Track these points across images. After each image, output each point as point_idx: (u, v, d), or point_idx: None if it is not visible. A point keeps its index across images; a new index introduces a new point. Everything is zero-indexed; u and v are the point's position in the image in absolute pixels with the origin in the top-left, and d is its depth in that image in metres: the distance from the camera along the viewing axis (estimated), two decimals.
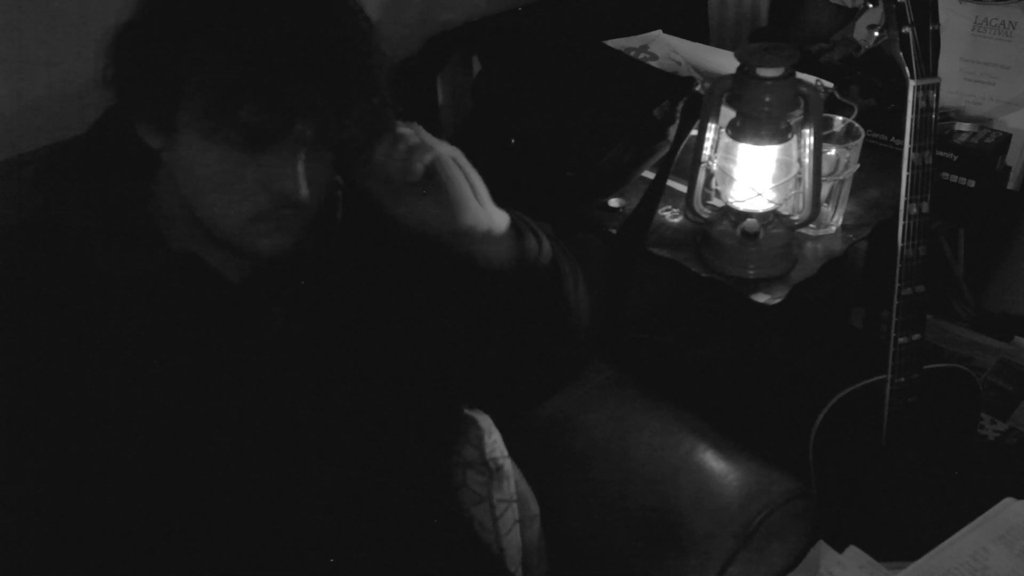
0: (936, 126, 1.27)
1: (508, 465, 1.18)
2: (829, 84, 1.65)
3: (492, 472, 1.16)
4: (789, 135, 1.32)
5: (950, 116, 1.76)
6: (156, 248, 0.94)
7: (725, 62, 1.59)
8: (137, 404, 0.92)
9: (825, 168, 1.37)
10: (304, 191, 0.88)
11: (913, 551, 1.20)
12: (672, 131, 1.51)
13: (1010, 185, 1.77)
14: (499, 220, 0.95)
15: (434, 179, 0.91)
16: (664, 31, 1.78)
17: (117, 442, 0.91)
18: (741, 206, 1.35)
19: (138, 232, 0.94)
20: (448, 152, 0.93)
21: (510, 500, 1.18)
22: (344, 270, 1.01)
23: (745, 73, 1.28)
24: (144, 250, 0.93)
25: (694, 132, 1.40)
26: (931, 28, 1.23)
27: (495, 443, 1.17)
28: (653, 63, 1.67)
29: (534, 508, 1.22)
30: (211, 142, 0.85)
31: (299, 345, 0.98)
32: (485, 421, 1.17)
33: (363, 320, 1.01)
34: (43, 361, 0.91)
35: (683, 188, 1.43)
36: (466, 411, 1.17)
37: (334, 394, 1.00)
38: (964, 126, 1.74)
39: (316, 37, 0.83)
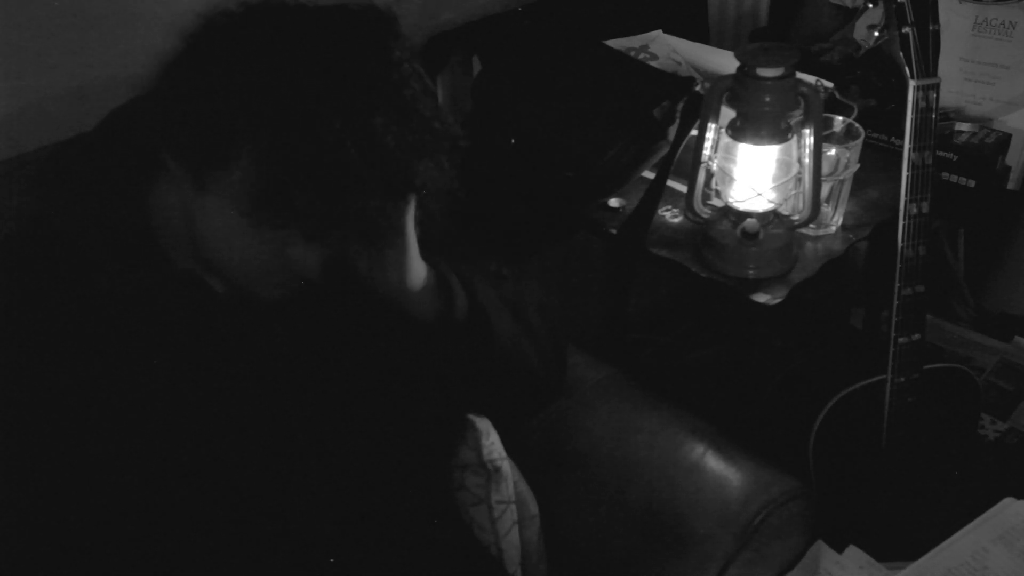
0: (936, 126, 1.27)
1: (506, 466, 1.18)
2: (829, 84, 1.65)
3: (490, 474, 1.16)
4: (789, 135, 1.32)
5: (950, 116, 1.76)
6: (157, 266, 0.93)
7: (725, 62, 1.59)
8: (134, 413, 0.91)
9: (825, 168, 1.37)
10: (320, 274, 0.89)
11: (913, 551, 1.21)
12: (672, 131, 1.51)
13: (1010, 185, 1.77)
14: (423, 274, 0.95)
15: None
16: (664, 31, 1.78)
17: (114, 449, 0.91)
18: (741, 206, 1.35)
19: (139, 249, 0.93)
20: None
21: (508, 501, 1.18)
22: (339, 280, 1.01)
23: (745, 73, 1.28)
24: (144, 268, 0.93)
25: (694, 132, 1.40)
26: (931, 28, 1.23)
27: (493, 445, 1.17)
28: (653, 63, 1.67)
29: (533, 509, 1.22)
30: (246, 218, 0.84)
31: (298, 354, 0.98)
32: (483, 423, 1.17)
33: (359, 327, 1.01)
34: (37, 368, 0.90)
35: (683, 188, 1.43)
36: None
37: (333, 398, 1.00)
38: (964, 126, 1.74)
39: (383, 131, 0.81)
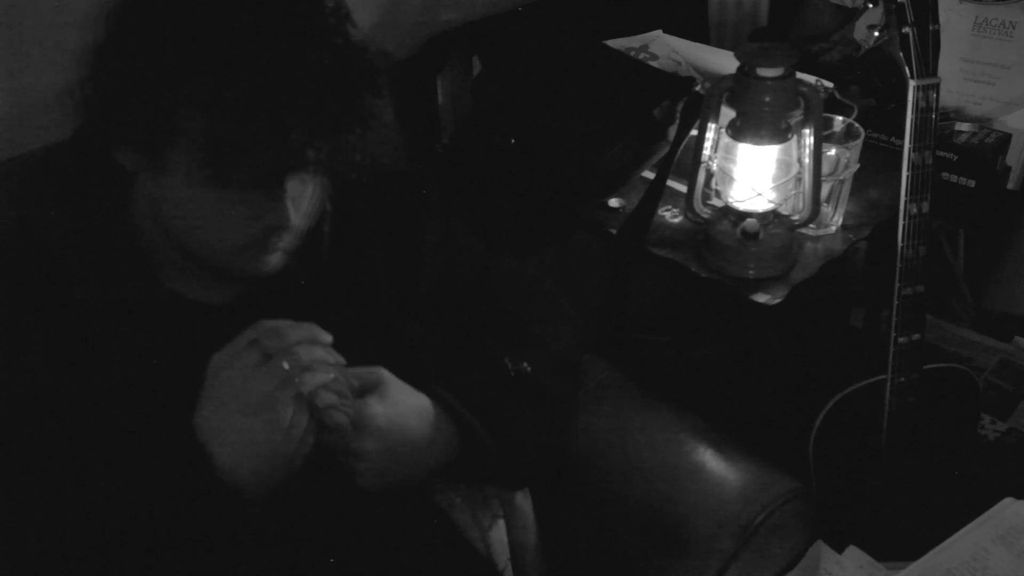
0: (936, 126, 1.27)
1: None
2: (829, 84, 1.65)
3: None
4: (789, 135, 1.32)
5: (950, 116, 1.76)
6: (137, 283, 0.93)
7: (725, 62, 1.59)
8: (118, 421, 0.90)
9: (825, 168, 1.37)
10: (294, 219, 0.88)
11: (913, 551, 1.20)
12: (672, 131, 1.51)
13: (1010, 185, 1.77)
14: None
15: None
16: (664, 31, 1.78)
17: (102, 455, 0.90)
18: (741, 206, 1.35)
19: (119, 264, 0.92)
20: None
21: (490, 496, 1.18)
22: (331, 285, 1.00)
23: (745, 73, 1.29)
24: (124, 284, 0.92)
25: (694, 132, 1.40)
26: (931, 28, 1.23)
27: None
28: (653, 63, 1.67)
29: (529, 510, 1.22)
30: (201, 184, 0.83)
31: None
32: None
33: (351, 332, 1.00)
34: (22, 379, 0.90)
35: (683, 188, 1.43)
36: None
37: None
38: (964, 126, 1.74)
39: (313, 71, 0.80)
